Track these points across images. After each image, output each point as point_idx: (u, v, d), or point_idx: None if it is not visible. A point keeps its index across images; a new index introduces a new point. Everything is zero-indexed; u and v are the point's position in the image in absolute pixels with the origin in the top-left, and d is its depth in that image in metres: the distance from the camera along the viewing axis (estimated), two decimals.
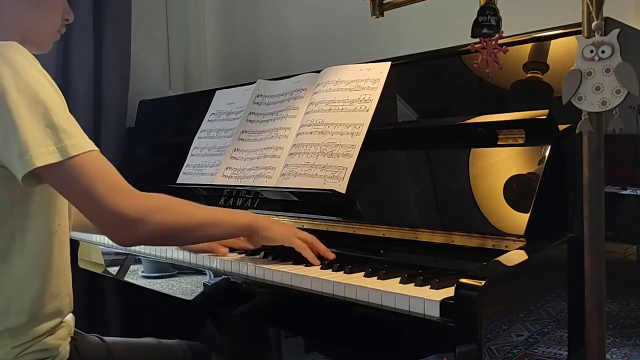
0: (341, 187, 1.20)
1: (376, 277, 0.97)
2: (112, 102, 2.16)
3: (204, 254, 1.24)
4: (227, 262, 1.18)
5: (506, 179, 1.02)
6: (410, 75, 1.38)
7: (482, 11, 0.95)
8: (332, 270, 1.04)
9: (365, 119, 1.25)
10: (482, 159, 1.07)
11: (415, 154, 1.19)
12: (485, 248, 0.99)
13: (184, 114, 2.05)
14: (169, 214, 0.99)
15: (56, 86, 0.95)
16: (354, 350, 1.18)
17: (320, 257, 1.11)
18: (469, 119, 1.11)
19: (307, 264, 1.09)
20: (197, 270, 1.29)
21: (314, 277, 1.00)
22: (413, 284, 0.91)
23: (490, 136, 1.06)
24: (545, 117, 0.99)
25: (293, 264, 1.11)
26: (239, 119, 1.58)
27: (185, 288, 1.34)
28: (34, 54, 0.96)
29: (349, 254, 1.15)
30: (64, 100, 0.96)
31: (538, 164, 0.99)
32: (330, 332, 1.04)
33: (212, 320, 1.86)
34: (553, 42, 1.12)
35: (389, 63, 1.30)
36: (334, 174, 1.23)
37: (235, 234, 1.17)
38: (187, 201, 1.05)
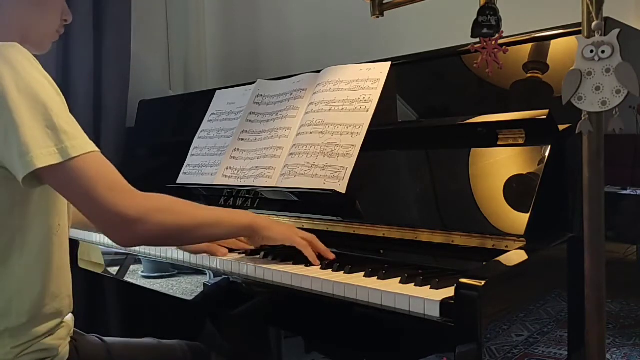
0: (341, 187, 1.20)
1: (376, 277, 0.97)
2: (112, 102, 2.16)
3: (203, 254, 1.24)
4: (227, 262, 1.18)
5: (506, 179, 1.02)
6: (410, 75, 1.38)
7: (482, 11, 0.95)
8: (332, 270, 1.04)
9: (365, 119, 1.25)
10: (482, 159, 1.07)
11: (415, 154, 1.19)
12: (485, 248, 0.99)
13: (184, 114, 2.05)
14: (169, 214, 0.99)
15: (57, 87, 0.95)
16: (354, 350, 1.18)
17: (320, 257, 1.11)
18: (469, 119, 1.11)
19: (307, 264, 1.09)
20: (197, 270, 1.29)
21: (314, 277, 1.00)
22: (413, 284, 0.91)
23: (490, 136, 1.06)
24: (545, 117, 0.99)
25: (293, 264, 1.11)
26: (239, 119, 1.58)
27: (185, 288, 1.34)
28: (33, 55, 0.96)
29: (349, 254, 1.15)
30: (65, 101, 0.96)
31: (538, 164, 0.99)
32: (330, 332, 1.04)
33: (212, 320, 1.86)
34: (553, 42, 1.12)
35: (389, 63, 1.30)
36: (334, 174, 1.23)
37: (236, 234, 1.17)
38: (188, 201, 1.05)
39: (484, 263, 0.88)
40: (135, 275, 1.54)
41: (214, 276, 1.23)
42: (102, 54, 2.14)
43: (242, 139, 1.53)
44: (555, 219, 0.99)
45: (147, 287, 1.48)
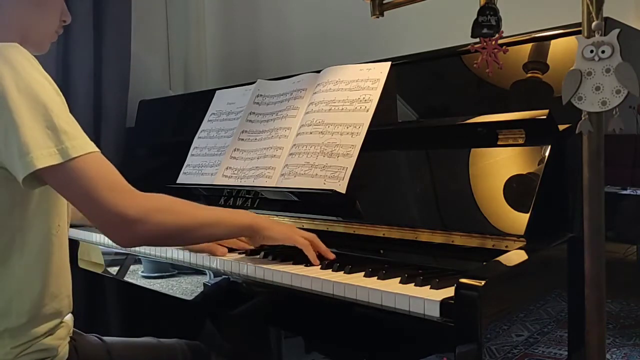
0: (341, 187, 1.20)
1: (376, 277, 0.97)
2: (112, 102, 2.16)
3: (204, 254, 1.24)
4: (227, 262, 1.18)
5: (506, 179, 1.02)
6: (410, 75, 1.38)
7: (482, 11, 0.95)
8: (332, 270, 1.04)
9: (365, 119, 1.25)
10: (482, 159, 1.07)
11: (415, 154, 1.19)
12: (485, 248, 0.99)
13: (184, 114, 2.05)
14: (169, 214, 0.99)
15: (57, 87, 0.95)
16: (354, 350, 1.18)
17: (320, 257, 1.11)
18: (469, 119, 1.11)
19: (307, 264, 1.09)
20: (197, 270, 1.29)
21: (314, 277, 1.00)
22: (413, 284, 0.91)
23: (490, 136, 1.06)
24: (545, 117, 0.99)
25: (293, 264, 1.11)
26: (239, 119, 1.58)
27: (185, 288, 1.34)
28: (32, 55, 0.96)
29: (349, 254, 1.15)
30: (64, 101, 0.96)
31: (538, 164, 0.99)
32: (330, 332, 1.03)
33: (212, 320, 1.86)
34: (553, 42, 1.12)
35: (389, 63, 1.30)
36: (334, 174, 1.23)
37: (236, 234, 1.17)
38: (188, 201, 1.05)
39: (484, 263, 0.88)
40: (135, 275, 1.54)
41: (214, 276, 1.23)
42: (102, 54, 2.14)
43: (242, 139, 1.53)
44: (555, 219, 0.99)
45: (147, 287, 1.47)
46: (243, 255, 1.23)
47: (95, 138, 2.11)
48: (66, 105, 0.95)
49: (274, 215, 1.37)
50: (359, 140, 1.23)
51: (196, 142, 1.68)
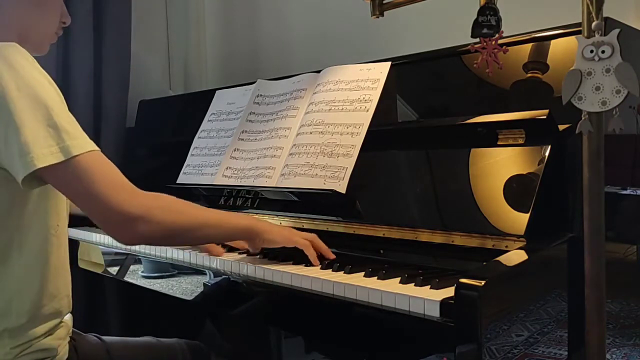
0: (341, 187, 1.20)
1: (376, 277, 0.97)
2: (112, 102, 2.17)
3: (203, 254, 1.24)
4: (227, 262, 1.18)
5: (506, 179, 1.02)
6: (410, 75, 1.38)
7: (482, 11, 0.95)
8: (332, 270, 1.04)
9: (365, 119, 1.25)
10: (482, 159, 1.07)
11: (415, 154, 1.19)
12: (485, 248, 0.99)
13: (184, 114, 2.05)
14: (170, 214, 0.99)
15: (56, 86, 0.95)
16: (354, 350, 1.18)
17: (320, 257, 1.11)
18: (469, 119, 1.11)
19: (307, 264, 1.09)
20: (197, 270, 1.29)
21: (314, 277, 1.00)
22: (413, 284, 0.91)
23: (490, 136, 1.06)
24: (545, 117, 0.99)
25: (293, 264, 1.11)
26: (239, 119, 1.58)
27: (185, 288, 1.34)
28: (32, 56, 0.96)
29: (349, 254, 1.15)
30: (64, 101, 0.96)
31: (538, 164, 0.99)
32: (330, 332, 1.03)
33: (212, 320, 1.86)
34: (553, 42, 1.12)
35: (389, 63, 1.30)
36: (334, 174, 1.23)
37: (236, 237, 1.17)
38: (189, 202, 1.05)
39: (484, 263, 0.88)
40: (135, 275, 1.54)
41: (214, 276, 1.23)
42: (102, 54, 2.14)
43: (242, 139, 1.53)
44: (555, 219, 0.99)
45: (147, 287, 1.48)
46: (243, 255, 1.23)
47: (95, 138, 2.11)
48: (65, 104, 0.95)
49: (274, 216, 1.37)
50: (359, 140, 1.23)
51: (196, 142, 1.68)
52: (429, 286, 0.89)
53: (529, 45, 1.15)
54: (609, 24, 0.88)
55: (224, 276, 1.20)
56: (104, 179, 0.91)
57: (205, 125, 1.69)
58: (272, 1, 2.29)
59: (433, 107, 1.35)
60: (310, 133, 1.33)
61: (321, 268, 1.07)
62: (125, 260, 1.59)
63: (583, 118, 0.83)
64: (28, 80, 0.90)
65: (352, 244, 1.19)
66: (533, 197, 0.96)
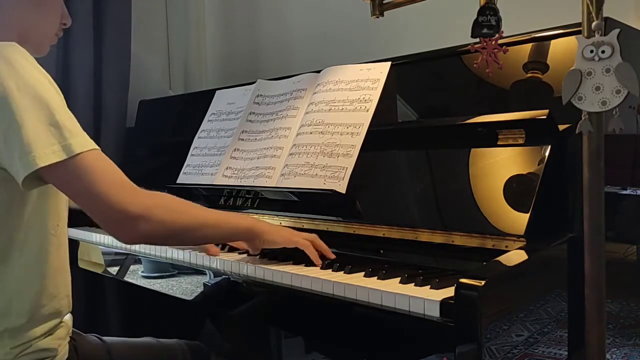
0: (341, 187, 1.20)
1: (376, 277, 0.97)
2: (112, 102, 2.17)
3: (202, 254, 1.24)
4: (227, 262, 1.18)
5: (506, 179, 1.02)
6: (410, 75, 1.38)
7: (482, 11, 0.95)
8: (332, 270, 1.04)
9: (365, 119, 1.25)
10: (482, 159, 1.07)
11: (415, 154, 1.19)
12: (485, 248, 0.99)
13: (184, 114, 2.05)
14: (171, 213, 0.99)
15: (56, 85, 0.95)
16: (354, 350, 1.18)
17: (320, 256, 1.11)
18: (469, 119, 1.11)
19: (307, 264, 1.09)
20: (197, 270, 1.29)
21: (314, 277, 1.00)
22: (413, 284, 0.91)
23: (490, 136, 1.06)
24: (545, 117, 0.99)
25: (293, 264, 1.11)
26: (239, 119, 1.58)
27: (185, 288, 1.34)
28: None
29: (349, 254, 1.15)
30: (64, 100, 0.96)
31: (538, 164, 0.99)
32: (330, 332, 1.03)
33: (212, 320, 1.86)
34: (553, 42, 1.12)
35: (389, 63, 1.30)
36: (334, 174, 1.23)
37: (236, 237, 1.17)
38: (189, 202, 1.05)
39: (484, 263, 0.88)
40: (135, 275, 1.54)
41: (214, 276, 1.23)
42: (102, 54, 2.15)
43: (242, 139, 1.53)
44: (555, 219, 0.99)
45: (147, 287, 1.48)
46: (243, 255, 1.23)
47: (95, 138, 2.09)
48: (65, 103, 0.95)
49: (274, 216, 1.37)
50: (359, 140, 1.23)
51: (196, 142, 1.68)
52: (429, 286, 0.89)
53: (529, 45, 1.15)
54: (609, 24, 0.88)
55: (224, 276, 1.20)
56: (105, 178, 0.91)
57: (205, 125, 1.69)
58: (272, 1, 2.29)
59: (433, 107, 1.35)
60: (310, 133, 1.33)
61: (321, 268, 1.07)
62: (125, 260, 1.59)
63: (583, 118, 0.83)
64: (28, 80, 0.90)
65: (352, 244, 1.19)
66: (533, 197, 0.96)
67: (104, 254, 1.65)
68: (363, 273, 1.00)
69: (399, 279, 0.94)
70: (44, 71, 0.95)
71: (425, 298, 0.84)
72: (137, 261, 1.54)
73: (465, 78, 1.26)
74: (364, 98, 1.28)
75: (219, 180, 1.51)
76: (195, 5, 2.45)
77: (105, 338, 1.22)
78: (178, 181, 1.64)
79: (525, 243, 0.94)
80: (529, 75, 1.15)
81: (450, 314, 0.81)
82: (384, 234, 1.15)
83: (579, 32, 0.85)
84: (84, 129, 0.94)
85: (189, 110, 2.00)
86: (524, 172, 1.00)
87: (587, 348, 0.87)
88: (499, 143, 1.05)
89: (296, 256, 1.12)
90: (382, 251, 1.16)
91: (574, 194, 0.96)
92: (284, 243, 1.12)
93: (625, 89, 0.79)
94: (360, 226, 1.19)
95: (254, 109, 1.56)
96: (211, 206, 1.35)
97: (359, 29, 1.87)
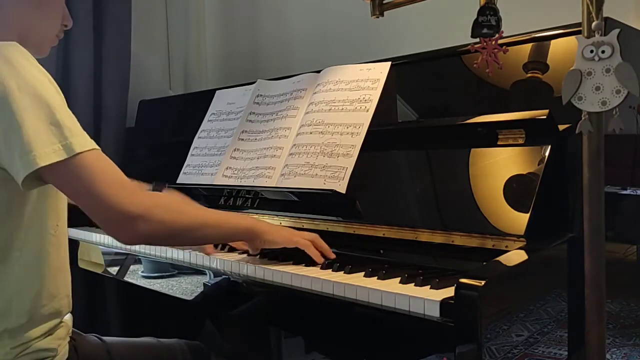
0: (341, 187, 1.20)
1: (376, 277, 0.97)
2: (112, 102, 2.17)
3: (203, 254, 1.24)
4: (227, 262, 1.18)
5: (506, 179, 1.02)
6: (410, 75, 1.38)
7: (482, 11, 0.95)
8: (332, 270, 1.04)
9: (365, 119, 1.25)
10: (482, 159, 1.07)
11: (415, 154, 1.19)
12: (485, 248, 0.99)
13: (184, 114, 2.05)
14: (171, 213, 0.99)
15: (56, 85, 0.95)
16: (354, 350, 1.18)
17: (321, 256, 1.11)
18: (469, 119, 1.11)
19: (307, 264, 1.09)
20: (197, 270, 1.29)
21: (314, 277, 1.00)
22: (413, 284, 0.91)
23: (490, 136, 1.06)
24: (545, 117, 0.99)
25: (293, 264, 1.11)
26: (239, 119, 1.58)
27: (185, 288, 1.34)
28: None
29: (349, 254, 1.15)
30: (64, 100, 0.96)
31: (538, 164, 0.99)
32: (330, 332, 1.03)
33: (212, 320, 1.86)
34: (553, 42, 1.12)
35: (389, 63, 1.30)
36: (334, 174, 1.23)
37: (236, 237, 1.17)
38: (190, 202, 1.05)
39: (484, 263, 0.88)
40: (135, 275, 1.54)
41: (214, 276, 1.23)
42: (102, 54, 2.14)
43: (242, 139, 1.53)
44: (555, 219, 0.99)
45: (147, 287, 1.48)
46: (243, 255, 1.23)
47: (95, 138, 2.08)
48: (66, 103, 0.95)
49: (274, 216, 1.37)
50: (359, 140, 1.23)
51: (196, 142, 1.68)
52: (429, 286, 0.89)
53: (529, 45, 1.15)
54: (609, 24, 0.88)
55: (224, 276, 1.20)
56: (105, 178, 0.91)
57: (205, 125, 1.69)
58: (272, 1, 2.29)
59: (433, 107, 1.35)
60: (310, 133, 1.33)
61: (321, 268, 1.07)
62: (125, 260, 1.59)
63: (583, 118, 0.83)
64: (29, 80, 0.90)
65: (352, 244, 1.19)
66: (533, 197, 0.96)
67: (104, 254, 1.65)
68: (363, 273, 1.00)
69: (399, 279, 0.94)
70: (45, 71, 0.95)
71: (425, 298, 0.84)
72: (137, 261, 1.54)
73: (465, 78, 1.26)
74: (364, 98, 1.28)
75: (219, 180, 1.51)
76: (195, 5, 2.45)
77: (105, 338, 1.22)
78: (178, 181, 1.64)
79: (525, 243, 0.94)
80: (529, 75, 1.15)
81: (450, 314, 0.81)
82: (384, 234, 1.15)
83: (579, 32, 0.85)
84: (84, 129, 0.94)
85: (189, 110, 2.00)
86: (524, 172, 1.00)
87: (587, 348, 0.87)
88: (499, 143, 1.06)
89: (296, 256, 1.12)
90: (382, 251, 1.16)
91: (574, 194, 0.96)
92: (284, 243, 1.12)
93: (625, 89, 0.79)
94: (360, 226, 1.19)
95: (254, 109, 1.56)
96: (211, 206, 1.35)
97: (359, 29, 1.87)
